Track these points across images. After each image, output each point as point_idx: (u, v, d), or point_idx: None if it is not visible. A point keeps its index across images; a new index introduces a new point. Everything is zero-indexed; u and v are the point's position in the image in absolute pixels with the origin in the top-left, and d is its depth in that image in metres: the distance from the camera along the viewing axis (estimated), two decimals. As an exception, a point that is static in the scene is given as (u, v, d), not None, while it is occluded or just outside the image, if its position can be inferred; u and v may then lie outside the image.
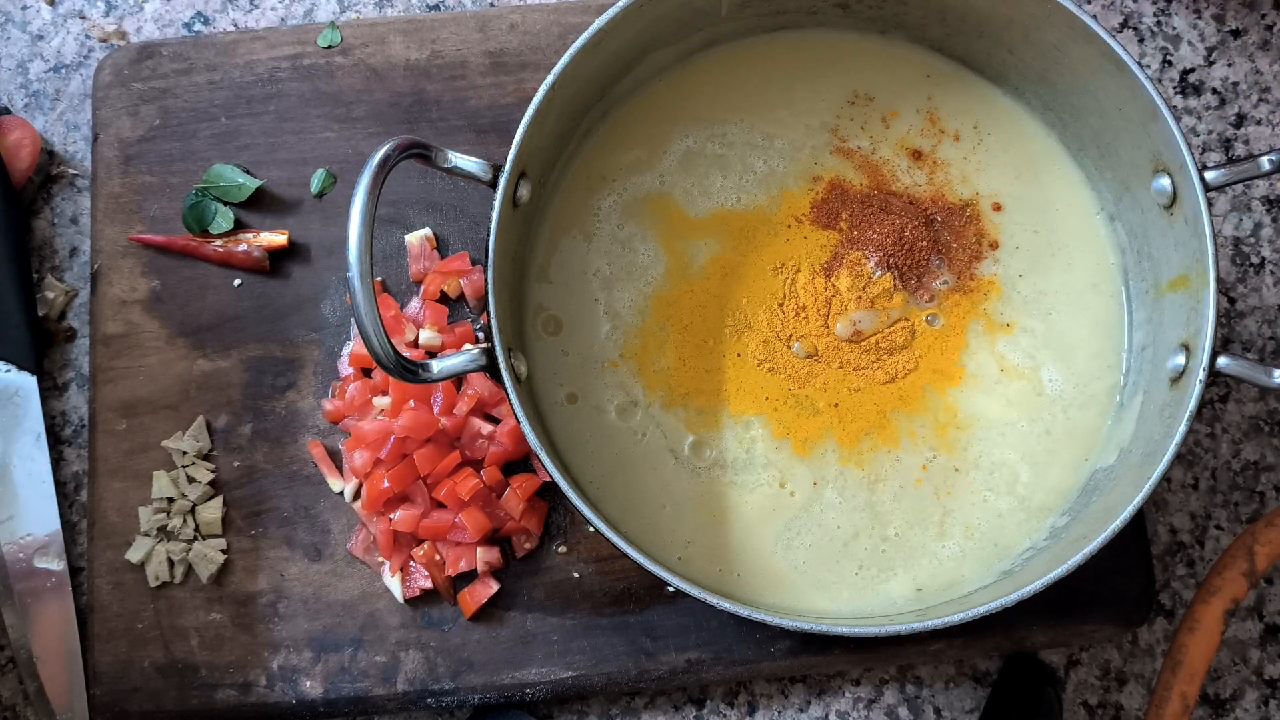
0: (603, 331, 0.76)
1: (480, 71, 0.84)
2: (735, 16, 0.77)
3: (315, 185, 0.82)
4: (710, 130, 0.79)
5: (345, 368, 0.80)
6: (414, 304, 0.81)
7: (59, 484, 0.82)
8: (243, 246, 0.81)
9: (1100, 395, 0.75)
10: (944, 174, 0.78)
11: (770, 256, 0.77)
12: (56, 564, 0.79)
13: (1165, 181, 0.70)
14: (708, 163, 0.79)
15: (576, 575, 0.78)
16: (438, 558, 0.77)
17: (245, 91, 0.84)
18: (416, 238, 0.81)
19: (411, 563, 0.77)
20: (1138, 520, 0.78)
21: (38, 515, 0.80)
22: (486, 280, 0.67)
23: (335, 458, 0.79)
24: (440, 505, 0.77)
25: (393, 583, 0.77)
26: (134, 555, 0.77)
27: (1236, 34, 0.88)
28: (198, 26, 0.89)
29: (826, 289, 0.76)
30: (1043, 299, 0.77)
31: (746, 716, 0.80)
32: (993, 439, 0.75)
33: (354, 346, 0.80)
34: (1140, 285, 0.75)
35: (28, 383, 0.81)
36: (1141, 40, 0.88)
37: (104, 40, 0.89)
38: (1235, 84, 0.87)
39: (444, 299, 0.81)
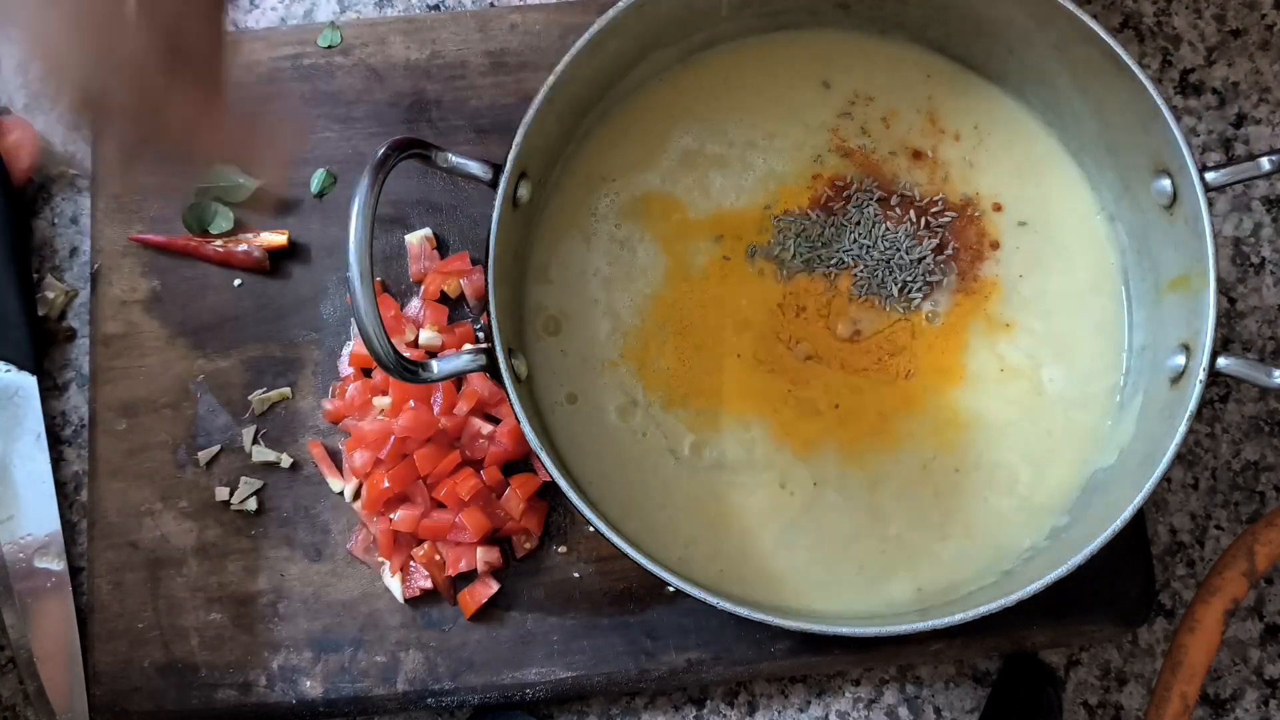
0: (603, 332, 0.76)
1: (480, 71, 0.84)
2: (735, 16, 0.77)
3: (315, 185, 0.82)
4: (710, 130, 0.79)
5: (345, 368, 0.80)
6: (414, 304, 0.81)
7: (59, 484, 0.81)
8: (243, 246, 0.81)
9: (1100, 395, 0.75)
10: (944, 174, 0.78)
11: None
12: (56, 564, 0.79)
13: (1165, 182, 0.70)
14: (708, 162, 0.79)
15: (576, 575, 0.78)
16: (438, 558, 0.77)
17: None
18: (416, 238, 0.81)
19: (411, 563, 0.77)
20: (1138, 520, 0.78)
21: (38, 515, 0.80)
22: (486, 280, 0.67)
23: (335, 458, 0.79)
24: (440, 505, 0.77)
25: (393, 583, 0.77)
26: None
27: (1236, 34, 0.88)
28: (198, 26, 0.89)
29: (827, 289, 0.76)
30: (1043, 299, 0.77)
31: (746, 716, 0.80)
32: (993, 439, 0.75)
33: (354, 346, 0.80)
34: (1140, 285, 0.75)
35: (28, 383, 0.81)
36: (1141, 40, 0.88)
37: (104, 40, 0.88)
38: (1235, 84, 0.87)
39: (444, 299, 0.81)
